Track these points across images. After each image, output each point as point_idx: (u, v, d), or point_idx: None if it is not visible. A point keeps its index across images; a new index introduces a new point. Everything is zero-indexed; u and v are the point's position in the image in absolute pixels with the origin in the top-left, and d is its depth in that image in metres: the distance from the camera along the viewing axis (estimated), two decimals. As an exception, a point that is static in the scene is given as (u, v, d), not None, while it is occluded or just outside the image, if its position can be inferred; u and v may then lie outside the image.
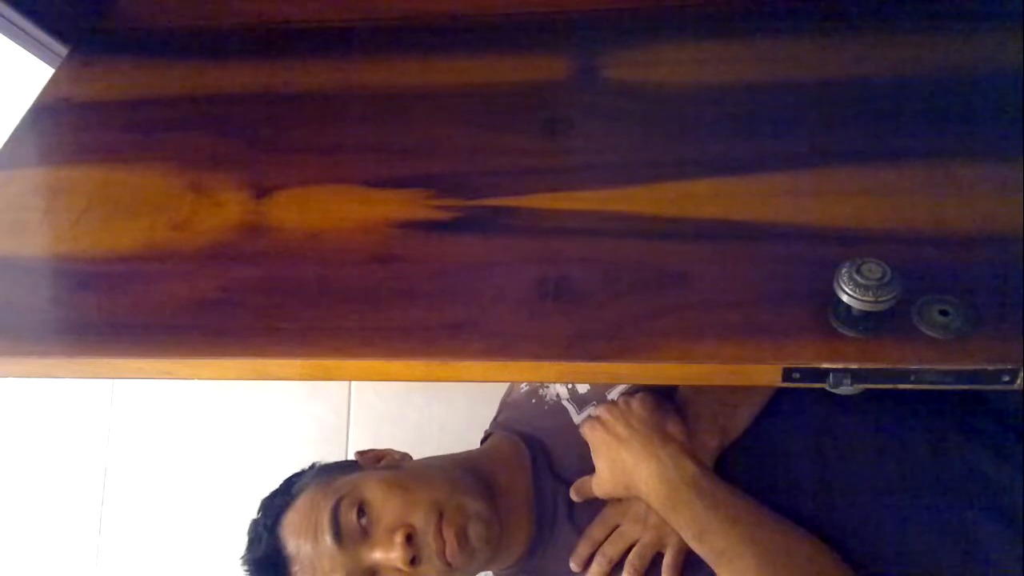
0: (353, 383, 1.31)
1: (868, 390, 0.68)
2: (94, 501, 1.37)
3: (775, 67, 0.68)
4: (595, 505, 0.76)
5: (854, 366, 0.48)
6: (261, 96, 0.74)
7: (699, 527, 0.66)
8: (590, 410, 0.79)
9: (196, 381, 0.60)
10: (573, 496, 0.76)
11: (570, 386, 0.82)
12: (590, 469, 0.74)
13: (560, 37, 0.74)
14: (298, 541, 0.74)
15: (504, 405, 0.94)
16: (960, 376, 0.48)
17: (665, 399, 0.74)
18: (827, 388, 0.49)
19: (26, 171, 0.71)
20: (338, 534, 0.71)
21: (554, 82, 0.70)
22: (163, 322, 0.57)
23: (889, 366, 0.48)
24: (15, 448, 1.41)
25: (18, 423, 1.42)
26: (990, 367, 0.47)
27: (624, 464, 0.70)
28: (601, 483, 0.73)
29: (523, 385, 0.90)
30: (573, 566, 0.74)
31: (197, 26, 0.81)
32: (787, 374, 0.49)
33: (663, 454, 0.69)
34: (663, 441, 0.70)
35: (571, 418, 0.80)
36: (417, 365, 0.53)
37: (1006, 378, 0.47)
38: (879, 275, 0.47)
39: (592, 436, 0.74)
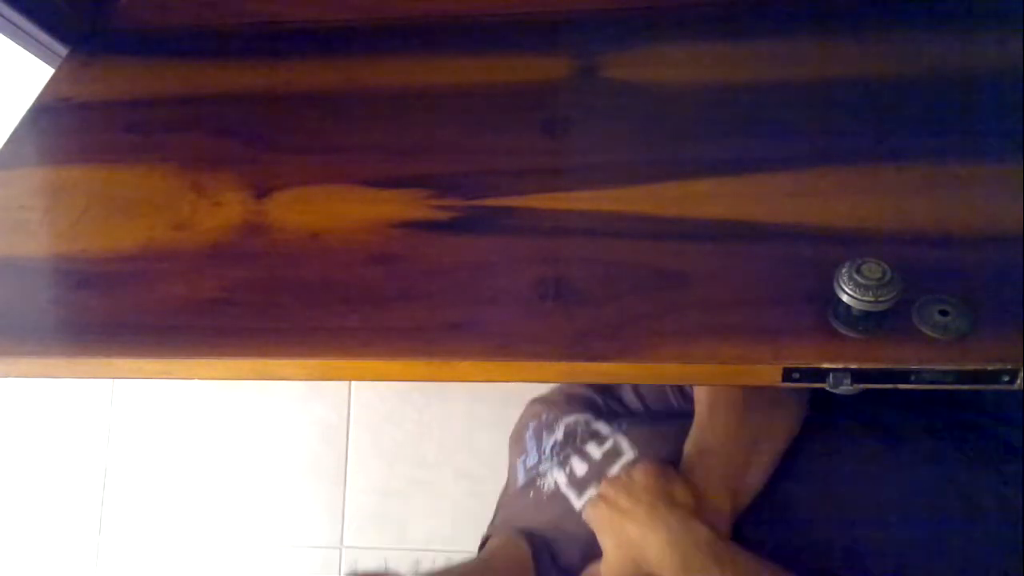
0: (353, 383, 1.32)
1: (884, 438, 0.68)
2: (94, 501, 1.37)
3: (775, 67, 0.68)
4: None
5: (854, 366, 0.48)
6: (261, 96, 0.74)
7: None
8: (591, 492, 0.73)
9: (196, 381, 0.60)
10: None
11: (568, 471, 0.76)
12: (597, 557, 0.68)
13: (560, 37, 0.74)
14: None
15: (501, 505, 0.87)
16: (960, 376, 0.48)
17: (669, 466, 0.68)
18: (827, 388, 0.49)
19: (26, 171, 0.71)
20: None
21: (554, 82, 0.70)
22: (163, 322, 0.57)
23: (889, 366, 0.48)
24: (15, 448, 1.41)
25: (18, 423, 1.42)
26: (990, 367, 0.47)
27: (631, 538, 0.64)
28: (610, 566, 0.66)
29: (519, 478, 0.84)
30: None
31: (197, 26, 0.81)
32: (787, 374, 0.49)
33: (672, 520, 0.63)
34: (670, 507, 0.64)
35: (572, 505, 0.74)
36: (417, 365, 0.53)
37: (1006, 378, 0.47)
38: (879, 275, 0.47)
39: (595, 515, 0.68)
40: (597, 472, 0.74)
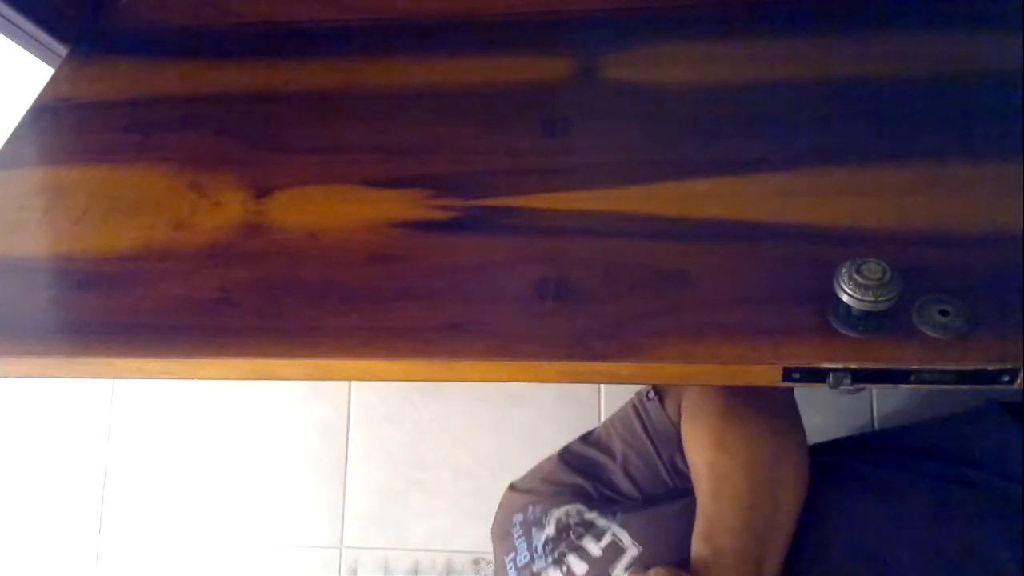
0: (353, 383, 1.31)
1: (885, 495, 0.66)
2: (94, 501, 1.37)
3: (775, 67, 0.68)
4: None
5: (854, 366, 0.48)
6: (261, 96, 0.74)
7: None
8: None
9: (196, 381, 0.60)
10: None
11: (565, 571, 0.72)
12: None
13: (560, 37, 0.74)
14: None
15: None
16: (960, 376, 0.48)
17: (683, 571, 0.65)
18: (827, 387, 0.49)
19: (26, 171, 0.71)
20: None
21: (554, 82, 0.70)
22: (163, 322, 0.57)
23: (889, 366, 0.48)
24: (15, 448, 1.41)
25: (18, 423, 1.42)
26: (990, 367, 0.47)
27: None
28: None
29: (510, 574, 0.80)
30: None
31: (197, 26, 0.81)
32: (787, 374, 0.49)
33: None
34: None
35: None
36: (417, 365, 0.53)
37: (1006, 378, 0.47)
38: (879, 275, 0.47)
39: None
40: (599, 571, 0.71)
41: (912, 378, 0.48)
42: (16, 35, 0.77)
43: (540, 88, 0.70)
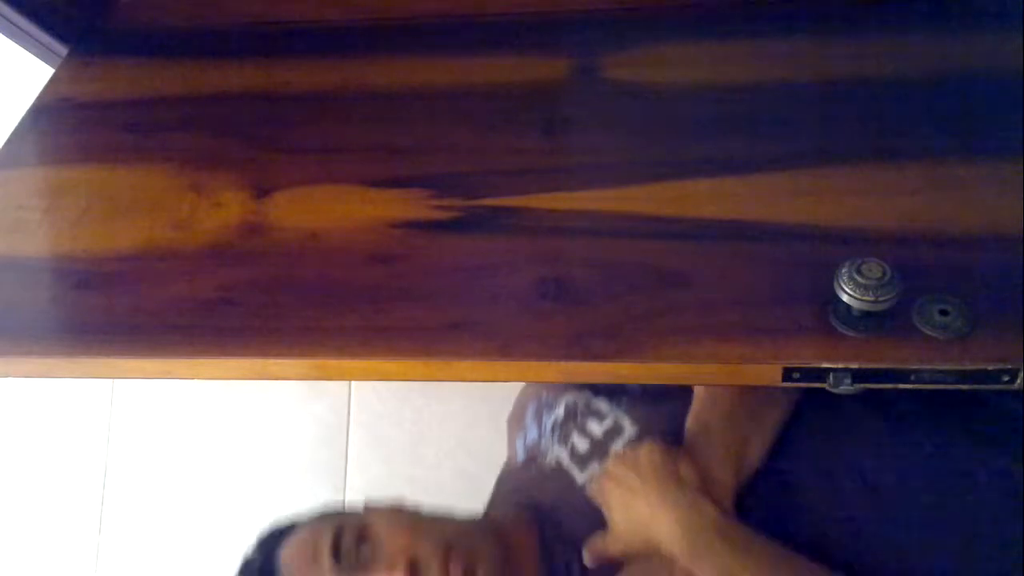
0: (353, 383, 1.31)
1: (887, 417, 0.68)
2: (94, 501, 1.37)
3: (775, 67, 0.68)
4: (611, 572, 0.71)
5: (854, 366, 0.48)
6: (261, 96, 0.74)
7: (726, 574, 0.63)
8: (594, 468, 0.74)
9: (196, 381, 0.60)
10: (587, 559, 0.71)
11: (569, 448, 0.77)
12: (600, 530, 0.70)
13: (560, 37, 0.74)
14: (295, 564, 0.71)
15: (500, 481, 0.89)
16: (960, 376, 0.48)
17: (674, 444, 0.70)
18: (827, 388, 0.49)
19: (26, 171, 0.71)
20: (337, 558, 0.68)
21: (554, 82, 0.70)
22: (163, 322, 0.57)
23: (889, 366, 0.48)
24: (15, 448, 1.41)
25: (18, 423, 1.42)
26: (990, 367, 0.47)
27: (641, 516, 0.66)
28: (617, 539, 0.68)
29: (519, 455, 0.86)
30: None
31: (197, 26, 0.81)
32: (787, 374, 0.49)
33: (681, 500, 0.65)
34: (680, 487, 0.66)
35: (574, 480, 0.76)
36: (417, 365, 0.53)
37: (1006, 378, 0.47)
38: (879, 275, 0.47)
39: (602, 491, 0.70)
40: (599, 449, 0.75)
41: (912, 378, 0.48)
42: (16, 35, 0.77)
43: (540, 88, 0.70)
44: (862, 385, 0.49)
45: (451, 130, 0.68)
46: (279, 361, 0.54)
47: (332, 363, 0.54)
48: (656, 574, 0.68)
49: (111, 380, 1.40)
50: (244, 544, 0.81)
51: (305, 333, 0.55)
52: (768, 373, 0.50)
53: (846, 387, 0.49)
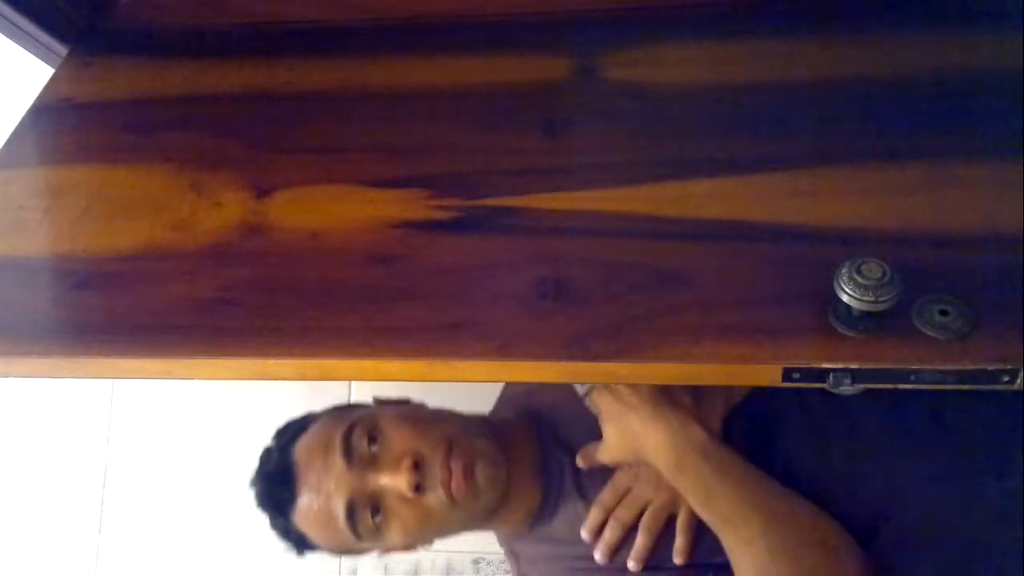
0: (353, 383, 1.31)
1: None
2: (94, 501, 1.37)
3: (775, 67, 0.68)
4: (602, 476, 0.77)
5: (854, 366, 0.48)
6: (261, 96, 0.74)
7: (705, 492, 0.68)
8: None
9: (196, 381, 0.60)
10: (579, 463, 0.78)
11: None
12: (595, 439, 0.75)
13: (560, 37, 0.74)
14: (308, 459, 0.76)
15: (504, 388, 0.96)
16: (960, 376, 0.48)
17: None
18: (827, 388, 0.49)
19: (26, 171, 0.71)
20: (348, 455, 0.74)
21: (554, 82, 0.70)
22: (163, 322, 0.57)
23: (889, 366, 0.48)
24: (15, 448, 1.41)
25: (18, 423, 1.42)
26: (990, 367, 0.47)
27: (633, 430, 0.71)
28: (609, 448, 0.74)
29: None
30: (584, 535, 0.76)
31: (197, 26, 0.81)
32: (787, 374, 0.49)
33: (673, 420, 0.70)
34: (672, 407, 0.71)
35: (574, 390, 0.81)
36: (417, 365, 0.53)
37: (1006, 378, 0.47)
38: (879, 275, 0.47)
39: (602, 403, 0.74)
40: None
41: (912, 378, 0.48)
42: (16, 35, 0.76)
43: (540, 88, 0.70)
44: (862, 385, 0.49)
45: (451, 130, 0.68)
46: (279, 361, 0.54)
47: (332, 363, 0.54)
48: (642, 484, 0.75)
49: (111, 380, 1.39)
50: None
51: (305, 333, 0.55)
52: (768, 373, 0.50)
53: (846, 387, 0.49)
